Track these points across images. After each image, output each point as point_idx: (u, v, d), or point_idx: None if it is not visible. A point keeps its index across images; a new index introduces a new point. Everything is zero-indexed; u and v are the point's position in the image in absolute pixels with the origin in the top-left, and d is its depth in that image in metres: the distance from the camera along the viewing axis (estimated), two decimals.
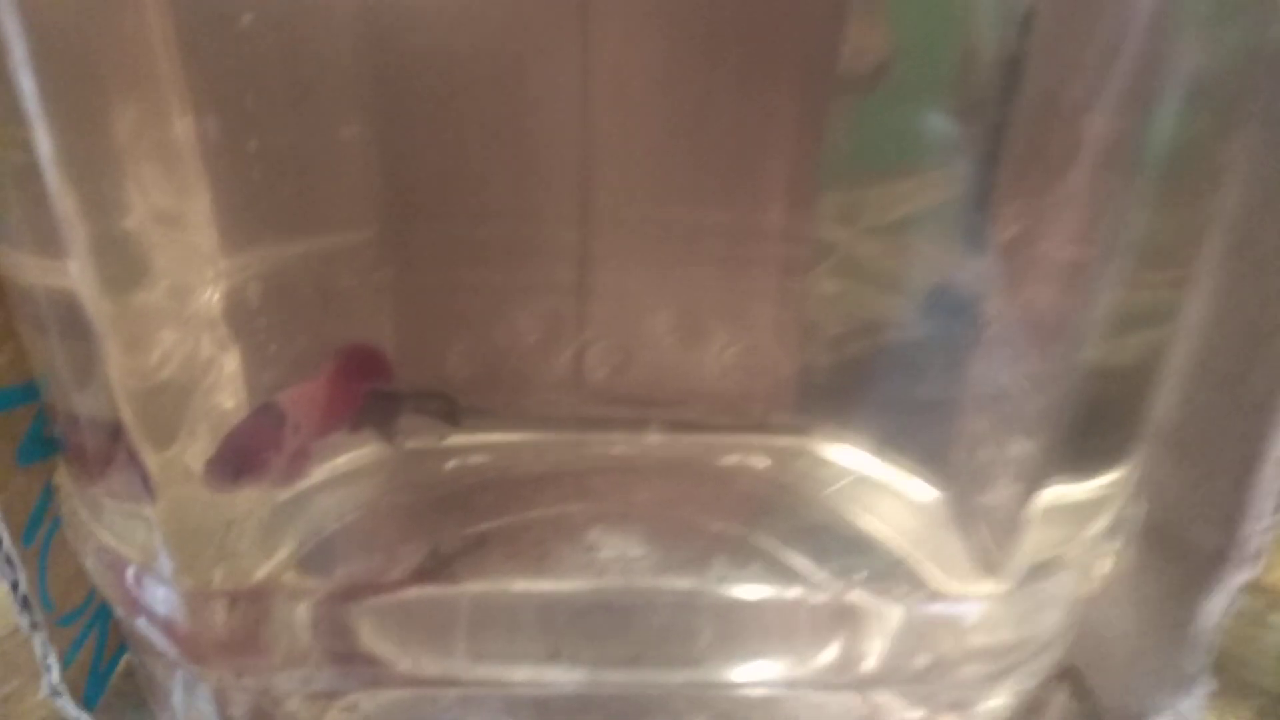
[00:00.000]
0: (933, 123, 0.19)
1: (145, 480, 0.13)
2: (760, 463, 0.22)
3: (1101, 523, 0.15)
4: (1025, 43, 0.16)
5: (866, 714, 0.18)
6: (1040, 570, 0.15)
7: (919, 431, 0.20)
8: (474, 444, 0.22)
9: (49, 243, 0.12)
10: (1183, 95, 0.12)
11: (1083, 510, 0.15)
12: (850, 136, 0.19)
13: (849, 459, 0.21)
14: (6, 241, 0.13)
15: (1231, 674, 0.18)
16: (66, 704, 0.16)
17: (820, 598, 0.17)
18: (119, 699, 0.17)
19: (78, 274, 0.12)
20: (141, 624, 0.13)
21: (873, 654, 0.17)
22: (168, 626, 0.13)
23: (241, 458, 0.16)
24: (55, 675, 0.15)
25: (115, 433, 0.13)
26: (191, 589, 0.13)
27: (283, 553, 0.17)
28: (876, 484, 0.20)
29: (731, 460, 0.22)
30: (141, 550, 0.13)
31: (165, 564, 0.13)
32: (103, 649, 0.17)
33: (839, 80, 0.19)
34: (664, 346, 0.22)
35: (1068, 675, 0.18)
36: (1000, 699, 0.17)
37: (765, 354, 0.22)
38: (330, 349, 0.19)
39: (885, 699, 0.18)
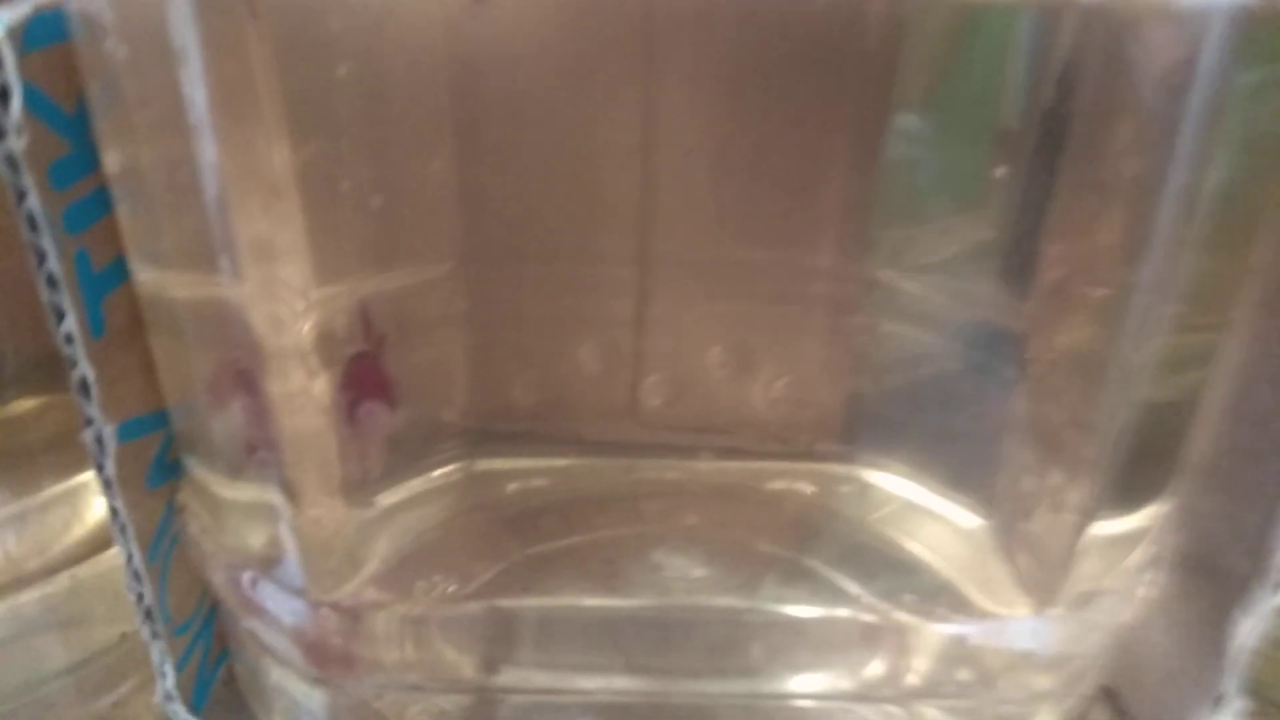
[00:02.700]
0: (978, 167, 0.20)
1: (289, 489, 0.14)
2: (807, 488, 0.23)
3: (1141, 553, 0.16)
4: (1071, 90, 0.17)
5: None
6: (1082, 597, 0.16)
7: (963, 461, 0.21)
8: (535, 468, 0.23)
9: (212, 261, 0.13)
10: (1224, 144, 0.13)
11: (1124, 542, 0.16)
12: (899, 180, 0.21)
13: (894, 486, 0.22)
14: (160, 264, 0.14)
15: (1263, 697, 0.19)
16: (178, 709, 0.17)
17: (867, 615, 0.18)
18: (219, 705, 0.18)
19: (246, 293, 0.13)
20: (260, 628, 0.15)
21: (916, 669, 0.18)
22: (293, 632, 0.14)
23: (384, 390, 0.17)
24: (170, 682, 0.17)
25: (252, 448, 0.14)
26: (317, 597, 0.14)
27: (369, 569, 0.19)
28: (921, 510, 0.22)
29: (779, 486, 0.23)
30: (263, 559, 0.15)
31: (293, 572, 0.14)
32: (207, 657, 0.18)
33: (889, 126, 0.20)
34: (716, 378, 0.23)
35: (1105, 696, 0.19)
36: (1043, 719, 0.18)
37: (813, 386, 0.23)
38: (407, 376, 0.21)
39: (931, 716, 0.19)
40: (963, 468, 0.21)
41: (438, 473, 0.22)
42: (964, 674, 0.17)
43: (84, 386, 0.14)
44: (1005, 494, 0.20)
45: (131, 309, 0.15)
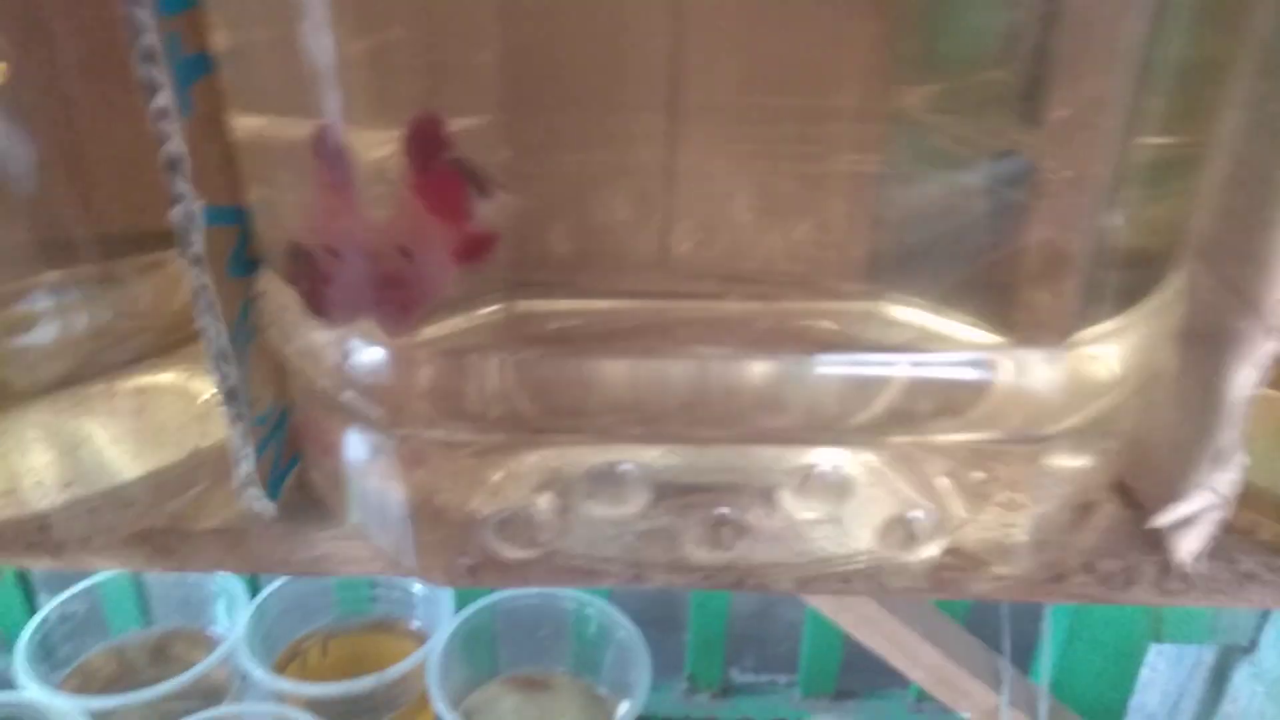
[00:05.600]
0: (993, 13, 0.21)
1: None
2: (831, 325, 0.24)
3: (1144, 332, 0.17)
4: None
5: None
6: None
7: (979, 288, 0.22)
8: (573, 309, 0.25)
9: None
10: None
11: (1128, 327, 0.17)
12: (921, 25, 0.22)
13: (912, 318, 0.23)
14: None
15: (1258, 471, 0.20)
16: (256, 492, 0.18)
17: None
18: (290, 507, 0.20)
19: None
20: (348, 396, 0.16)
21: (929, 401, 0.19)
22: (373, 388, 0.16)
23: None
24: (250, 465, 0.18)
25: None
26: (400, 345, 0.16)
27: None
28: (940, 338, 0.23)
29: (804, 324, 0.25)
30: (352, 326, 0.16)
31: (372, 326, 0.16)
32: (280, 458, 0.19)
33: None
34: (743, 224, 0.24)
35: (1115, 489, 0.21)
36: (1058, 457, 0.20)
37: (837, 230, 0.24)
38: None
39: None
40: (978, 294, 0.22)
41: (481, 312, 0.23)
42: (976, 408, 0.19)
43: (175, 163, 0.15)
44: (1017, 315, 0.21)
45: (214, 100, 0.16)
